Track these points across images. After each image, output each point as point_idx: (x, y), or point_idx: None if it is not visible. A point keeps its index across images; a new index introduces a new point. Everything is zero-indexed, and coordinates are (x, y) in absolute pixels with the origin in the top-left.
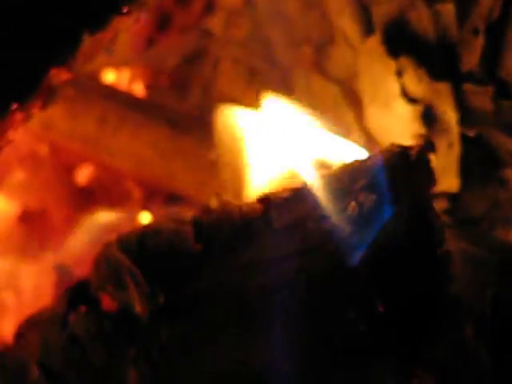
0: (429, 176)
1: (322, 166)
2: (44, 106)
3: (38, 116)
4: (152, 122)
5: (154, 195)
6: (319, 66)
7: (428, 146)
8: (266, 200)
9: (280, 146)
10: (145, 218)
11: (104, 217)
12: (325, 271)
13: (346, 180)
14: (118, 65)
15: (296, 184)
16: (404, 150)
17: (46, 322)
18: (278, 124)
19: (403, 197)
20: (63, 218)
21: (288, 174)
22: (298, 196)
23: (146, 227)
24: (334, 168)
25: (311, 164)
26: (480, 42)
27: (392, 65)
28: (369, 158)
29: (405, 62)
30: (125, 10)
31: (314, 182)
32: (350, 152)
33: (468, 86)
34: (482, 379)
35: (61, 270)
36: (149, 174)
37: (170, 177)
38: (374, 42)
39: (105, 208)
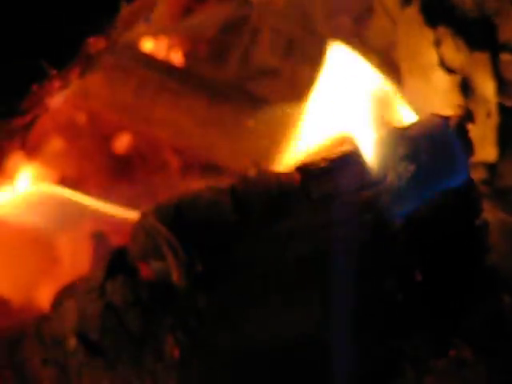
0: (467, 146)
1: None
2: (82, 74)
3: (77, 84)
4: (190, 90)
5: (191, 164)
6: (358, 35)
7: (466, 116)
8: (304, 169)
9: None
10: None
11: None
12: (362, 241)
13: (386, 149)
14: (156, 33)
15: (336, 152)
16: (443, 121)
17: (84, 290)
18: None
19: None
20: (101, 187)
21: (334, 138)
22: (337, 166)
23: (184, 197)
24: (376, 135)
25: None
26: None
27: (430, 35)
28: (409, 127)
29: (443, 31)
30: None
31: (358, 148)
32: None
33: (505, 56)
34: None
35: (98, 239)
36: (186, 143)
37: (207, 145)
38: (413, 12)
39: (142, 176)
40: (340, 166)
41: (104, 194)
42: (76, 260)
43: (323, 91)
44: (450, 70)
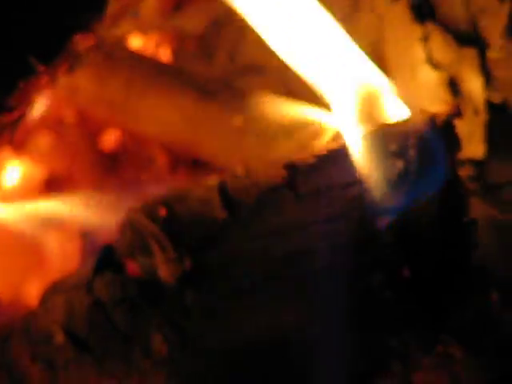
0: (455, 142)
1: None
2: (70, 71)
3: (64, 80)
4: (178, 87)
5: (179, 160)
6: (345, 31)
7: (454, 112)
8: (291, 166)
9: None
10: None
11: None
12: (349, 237)
13: (374, 145)
14: (144, 30)
15: (323, 148)
16: (431, 117)
17: (71, 287)
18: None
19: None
20: (89, 183)
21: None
22: (324, 162)
23: (172, 193)
24: (365, 132)
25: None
26: (505, 9)
27: (418, 31)
28: (397, 123)
29: (430, 28)
30: None
31: (345, 144)
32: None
33: (493, 54)
34: (506, 345)
35: (86, 236)
36: (175, 140)
37: (195, 142)
38: (400, 8)
39: (130, 173)
40: (327, 163)
41: (92, 190)
42: (64, 256)
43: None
44: (437, 67)
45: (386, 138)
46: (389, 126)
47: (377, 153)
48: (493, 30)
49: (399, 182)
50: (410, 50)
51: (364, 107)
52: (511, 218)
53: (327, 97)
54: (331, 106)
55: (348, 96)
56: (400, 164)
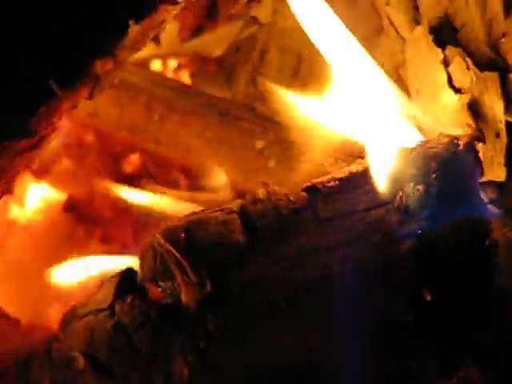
0: (477, 166)
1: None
2: (90, 95)
3: (85, 104)
4: (199, 110)
5: (200, 184)
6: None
7: (476, 135)
8: (312, 189)
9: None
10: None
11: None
12: (372, 260)
13: (395, 168)
14: (164, 53)
15: (345, 171)
16: (453, 140)
17: (92, 310)
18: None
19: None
20: (110, 207)
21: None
22: (345, 185)
23: (193, 217)
24: (385, 156)
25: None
26: None
27: (439, 54)
28: (418, 147)
29: (451, 51)
30: None
31: (366, 167)
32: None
33: None
34: None
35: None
36: (195, 163)
37: (216, 165)
38: (421, 32)
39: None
40: (348, 186)
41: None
42: (85, 280)
43: (333, 107)
44: (458, 90)
45: (407, 161)
46: (409, 149)
47: (398, 176)
48: None
49: (421, 205)
50: (431, 74)
51: (386, 130)
52: None
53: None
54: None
55: (370, 121)
56: (421, 188)
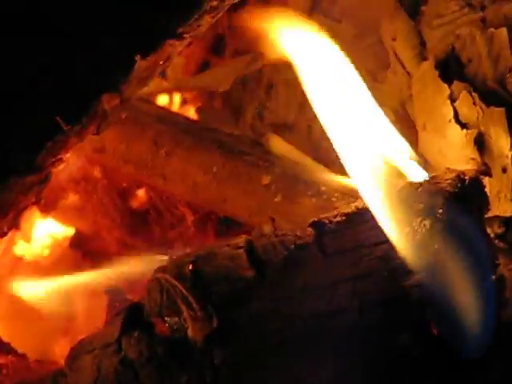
0: (483, 200)
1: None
2: (97, 130)
3: (91, 139)
4: (205, 145)
5: (207, 219)
6: (374, 90)
7: (482, 170)
8: (318, 224)
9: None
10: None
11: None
12: (379, 296)
13: (401, 204)
14: (171, 88)
15: (351, 207)
16: (459, 175)
17: (99, 346)
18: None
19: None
20: (116, 242)
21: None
22: (351, 221)
23: (200, 252)
24: (391, 191)
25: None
26: None
27: (445, 89)
28: (424, 182)
29: (458, 86)
30: (178, 34)
31: (372, 204)
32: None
33: None
34: None
35: (113, 294)
36: (202, 198)
37: (222, 201)
38: (428, 67)
39: (158, 232)
40: (354, 222)
41: (120, 249)
42: (91, 315)
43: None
44: (465, 125)
45: (413, 197)
46: (415, 184)
47: (403, 212)
48: None
49: (427, 240)
50: (437, 109)
51: (390, 166)
52: None
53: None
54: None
55: (375, 153)
56: (427, 223)
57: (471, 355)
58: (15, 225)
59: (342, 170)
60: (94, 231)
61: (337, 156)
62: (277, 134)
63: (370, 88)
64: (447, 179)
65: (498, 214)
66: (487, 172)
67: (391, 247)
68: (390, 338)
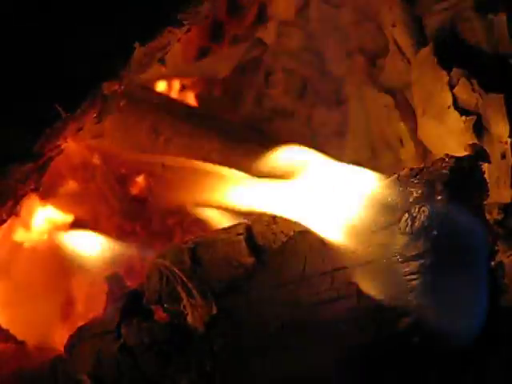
0: (482, 186)
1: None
2: (96, 117)
3: (91, 126)
4: (204, 132)
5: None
6: (372, 76)
7: (481, 155)
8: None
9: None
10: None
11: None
12: (377, 282)
13: (399, 192)
14: (170, 75)
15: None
16: (458, 161)
17: (98, 333)
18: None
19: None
20: (115, 228)
21: None
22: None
23: (199, 239)
24: (387, 180)
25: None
26: None
27: (444, 76)
28: (423, 168)
29: (457, 73)
30: (177, 21)
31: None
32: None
33: None
34: None
35: (113, 280)
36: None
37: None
38: (427, 53)
39: (157, 218)
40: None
41: (119, 235)
42: (91, 301)
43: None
44: (464, 111)
45: (411, 184)
46: (414, 171)
47: (399, 200)
48: None
49: (427, 226)
50: (437, 95)
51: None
52: None
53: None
54: None
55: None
56: (427, 209)
57: (461, 342)
58: (14, 212)
59: (338, 156)
60: (92, 218)
61: (334, 142)
62: (276, 121)
63: (369, 74)
64: (446, 165)
65: (496, 200)
66: (486, 156)
67: (389, 234)
68: (389, 324)
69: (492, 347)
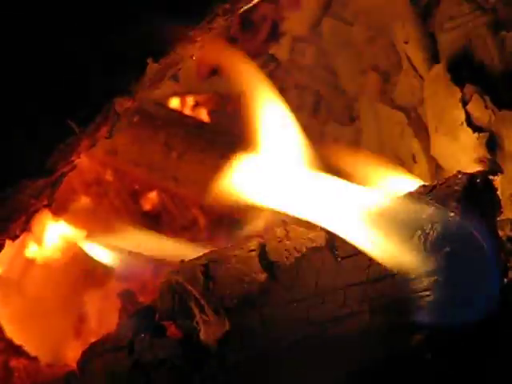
0: (495, 203)
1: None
2: (109, 133)
3: (104, 142)
4: (216, 148)
5: (219, 221)
6: (385, 93)
7: (493, 169)
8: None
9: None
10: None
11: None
12: (390, 299)
13: (412, 209)
14: (183, 91)
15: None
16: (471, 178)
17: (111, 349)
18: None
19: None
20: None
21: None
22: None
23: (212, 255)
24: (400, 197)
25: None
26: None
27: (457, 92)
28: (437, 185)
29: (470, 89)
30: (190, 37)
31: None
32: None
33: None
34: None
35: (126, 296)
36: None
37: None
38: (440, 70)
39: (171, 234)
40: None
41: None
42: (103, 317)
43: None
44: (477, 128)
45: (424, 201)
46: (427, 188)
47: (412, 217)
48: None
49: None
50: (449, 112)
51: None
52: None
53: None
54: None
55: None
56: (439, 226)
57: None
58: (27, 228)
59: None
60: (106, 234)
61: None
62: None
63: (382, 91)
64: (459, 182)
65: (509, 216)
66: (497, 170)
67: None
68: (401, 341)
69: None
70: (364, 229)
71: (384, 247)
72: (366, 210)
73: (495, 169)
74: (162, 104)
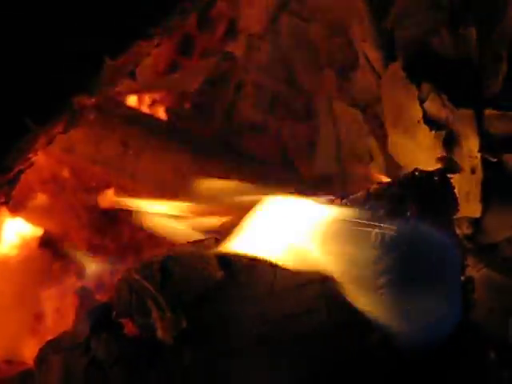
0: (452, 201)
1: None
2: (66, 130)
3: (60, 140)
4: (174, 146)
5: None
6: (342, 90)
7: (451, 167)
8: None
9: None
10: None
11: None
12: (346, 297)
13: (367, 207)
14: (140, 89)
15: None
16: (428, 175)
17: (68, 346)
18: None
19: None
20: (85, 242)
21: None
22: None
23: (169, 252)
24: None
25: None
26: (503, 67)
27: (414, 90)
28: (392, 183)
29: (427, 87)
30: (147, 35)
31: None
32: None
33: (490, 112)
34: None
35: (83, 294)
36: (170, 198)
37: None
38: (397, 68)
39: (127, 232)
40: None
41: (89, 249)
42: (60, 315)
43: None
44: (434, 126)
45: (379, 200)
46: (382, 189)
47: (368, 216)
48: (491, 88)
49: (395, 242)
50: (407, 109)
51: None
52: (508, 275)
53: None
54: None
55: None
56: (398, 223)
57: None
58: None
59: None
60: (62, 231)
61: (305, 155)
62: (246, 134)
63: (339, 88)
64: (415, 180)
65: (466, 214)
66: (455, 168)
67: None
68: (358, 339)
69: (453, 360)
70: (322, 227)
71: (342, 245)
72: (323, 209)
73: (453, 167)
74: (119, 101)
